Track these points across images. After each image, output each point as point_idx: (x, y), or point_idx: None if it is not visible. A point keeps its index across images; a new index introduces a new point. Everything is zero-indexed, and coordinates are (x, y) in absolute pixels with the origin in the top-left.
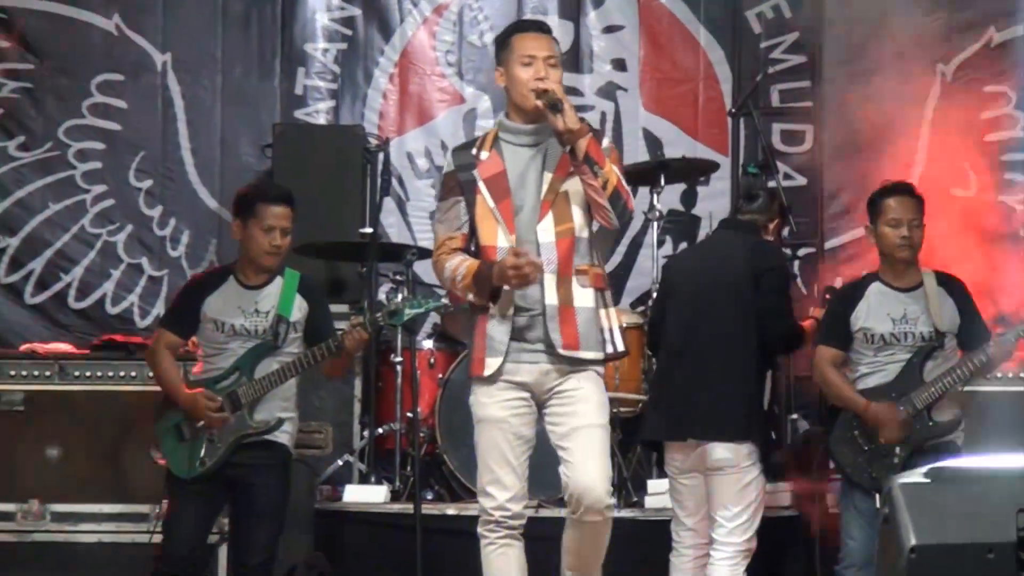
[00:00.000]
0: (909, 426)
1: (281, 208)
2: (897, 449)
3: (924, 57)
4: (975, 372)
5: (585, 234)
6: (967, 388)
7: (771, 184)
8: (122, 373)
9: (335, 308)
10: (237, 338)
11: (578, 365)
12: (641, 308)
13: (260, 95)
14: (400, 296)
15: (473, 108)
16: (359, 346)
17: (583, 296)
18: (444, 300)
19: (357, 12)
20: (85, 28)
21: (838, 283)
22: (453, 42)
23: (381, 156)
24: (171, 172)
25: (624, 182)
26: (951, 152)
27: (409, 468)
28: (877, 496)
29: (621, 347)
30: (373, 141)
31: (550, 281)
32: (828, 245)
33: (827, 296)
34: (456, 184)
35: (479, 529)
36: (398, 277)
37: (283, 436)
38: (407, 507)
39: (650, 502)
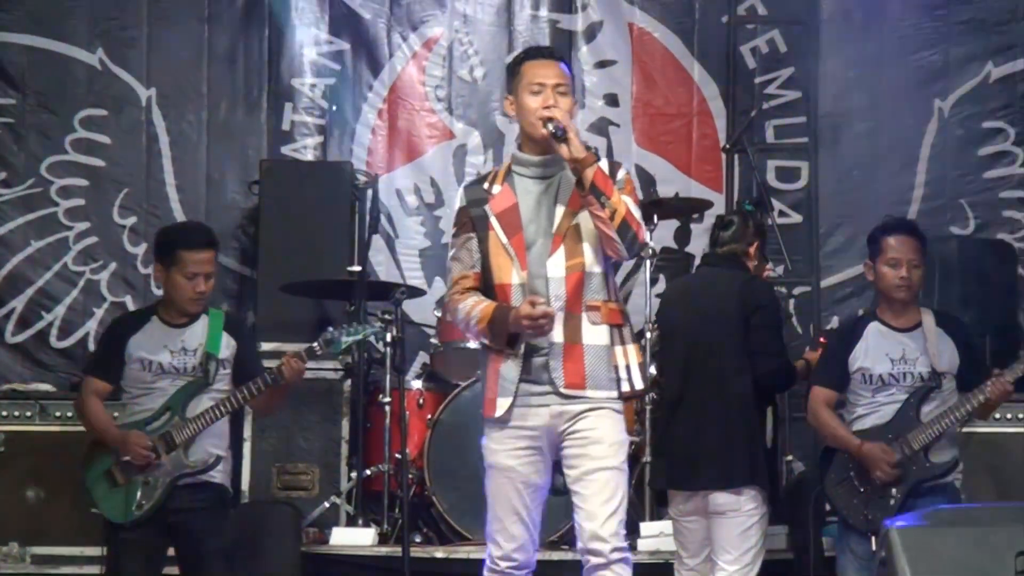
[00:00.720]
0: (903, 466)
1: (204, 253)
2: (894, 491)
3: (921, 92)
4: (973, 413)
5: (598, 268)
6: (965, 429)
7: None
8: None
9: None
10: (166, 376)
11: (589, 404)
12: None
13: (247, 131)
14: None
15: (463, 144)
16: (296, 376)
17: (593, 333)
18: (433, 340)
19: (345, 46)
20: (68, 62)
21: (834, 322)
22: (443, 77)
23: (370, 193)
24: (156, 209)
25: (635, 213)
26: (948, 189)
27: (397, 510)
28: (873, 539)
29: (640, 385)
30: (361, 177)
31: (558, 319)
32: (824, 283)
33: (821, 339)
34: (469, 220)
35: (484, 574)
36: (387, 316)
37: (219, 476)
38: (395, 550)
39: (643, 545)
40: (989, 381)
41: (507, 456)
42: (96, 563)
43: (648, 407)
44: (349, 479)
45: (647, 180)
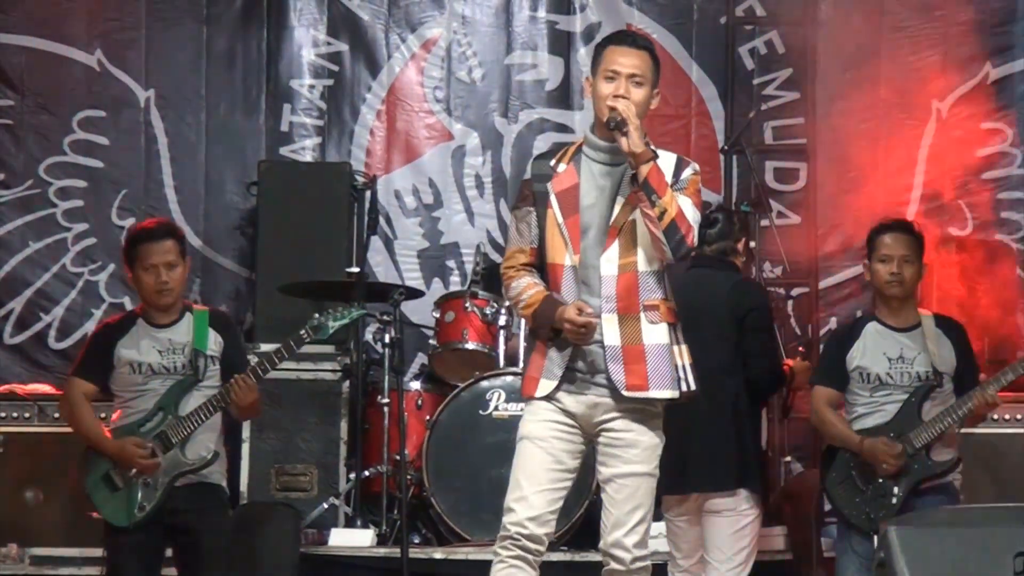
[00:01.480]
0: (904, 459)
1: (159, 243)
2: (895, 490)
3: (919, 93)
4: (963, 418)
5: (654, 267)
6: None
7: (763, 223)
8: (102, 415)
9: (321, 349)
10: (156, 377)
11: (632, 404)
12: None
13: (245, 132)
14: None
15: (462, 145)
16: (244, 396)
17: (654, 332)
18: (431, 341)
19: (344, 48)
20: (67, 63)
21: (832, 323)
22: (441, 78)
23: (368, 194)
24: (154, 210)
25: (688, 215)
26: (947, 190)
27: (396, 511)
28: (875, 538)
29: (694, 385)
30: (360, 179)
31: (610, 321)
32: (822, 284)
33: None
34: (530, 193)
35: (495, 548)
36: (385, 317)
37: (216, 475)
38: (394, 551)
39: None
40: (975, 392)
41: (542, 427)
42: (95, 564)
43: None
44: (348, 480)
45: None
